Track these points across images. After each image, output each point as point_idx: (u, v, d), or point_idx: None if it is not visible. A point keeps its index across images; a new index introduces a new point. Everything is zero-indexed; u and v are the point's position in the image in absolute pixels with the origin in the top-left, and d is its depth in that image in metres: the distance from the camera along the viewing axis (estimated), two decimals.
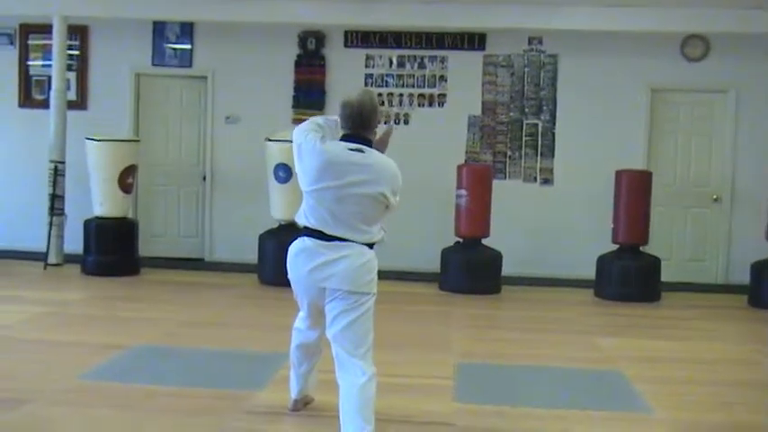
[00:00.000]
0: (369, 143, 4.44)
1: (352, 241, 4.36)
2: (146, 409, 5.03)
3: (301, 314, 4.77)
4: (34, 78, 11.13)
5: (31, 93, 11.14)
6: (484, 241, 9.74)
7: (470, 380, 5.93)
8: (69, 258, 10.20)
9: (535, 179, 10.75)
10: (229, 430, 4.74)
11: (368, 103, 4.46)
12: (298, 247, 4.48)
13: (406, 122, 10.69)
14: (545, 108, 10.71)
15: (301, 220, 4.47)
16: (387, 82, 10.77)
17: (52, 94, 10.25)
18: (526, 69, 10.72)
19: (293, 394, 5.04)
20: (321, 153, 4.38)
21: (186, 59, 11.02)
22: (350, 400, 4.31)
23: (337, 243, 4.35)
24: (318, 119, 4.65)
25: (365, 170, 4.34)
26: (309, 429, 4.76)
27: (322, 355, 4.87)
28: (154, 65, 11.04)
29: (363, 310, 4.37)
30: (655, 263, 9.62)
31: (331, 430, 4.69)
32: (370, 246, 4.44)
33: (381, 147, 4.54)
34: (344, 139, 4.45)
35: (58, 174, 10.09)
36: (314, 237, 4.39)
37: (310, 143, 4.42)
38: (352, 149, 4.37)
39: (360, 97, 4.47)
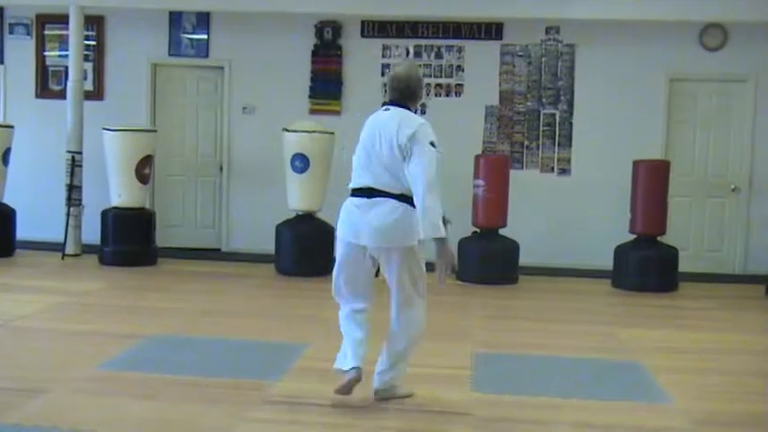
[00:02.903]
0: (405, 108, 4.87)
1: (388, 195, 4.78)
2: (164, 399, 5.04)
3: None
4: (51, 69, 11.18)
5: (47, 83, 11.19)
6: (501, 231, 9.73)
7: (488, 369, 5.92)
8: (87, 249, 10.24)
9: (552, 169, 10.72)
10: (248, 420, 4.74)
11: (414, 76, 4.98)
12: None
13: (423, 112, 10.61)
14: (562, 98, 10.67)
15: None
16: None
17: (69, 84, 10.28)
18: (543, 59, 10.68)
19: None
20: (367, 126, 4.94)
21: (203, 50, 11.02)
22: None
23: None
24: None
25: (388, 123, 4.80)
26: (328, 419, 4.74)
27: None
28: (170, 55, 11.06)
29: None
30: (672, 253, 9.58)
31: (350, 420, 4.72)
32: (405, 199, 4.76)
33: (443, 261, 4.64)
34: (383, 104, 5.02)
35: (75, 164, 10.12)
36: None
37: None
38: (384, 110, 4.90)
39: (408, 71, 5.00)
